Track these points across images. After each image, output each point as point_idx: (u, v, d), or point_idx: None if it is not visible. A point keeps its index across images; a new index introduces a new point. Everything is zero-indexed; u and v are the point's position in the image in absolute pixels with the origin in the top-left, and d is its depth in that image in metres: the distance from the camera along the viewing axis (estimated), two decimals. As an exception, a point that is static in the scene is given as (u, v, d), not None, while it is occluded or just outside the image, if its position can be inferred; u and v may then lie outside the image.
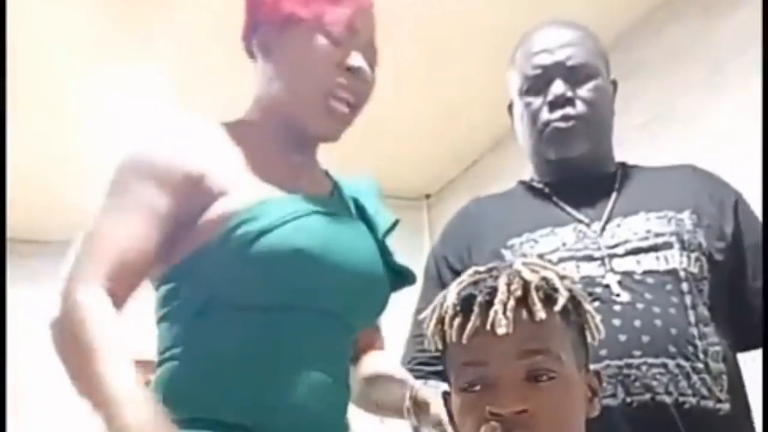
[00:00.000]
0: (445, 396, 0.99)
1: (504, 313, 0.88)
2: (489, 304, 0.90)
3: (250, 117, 1.22)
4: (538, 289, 0.91)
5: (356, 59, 1.17)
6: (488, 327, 0.88)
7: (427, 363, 1.36)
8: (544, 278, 0.93)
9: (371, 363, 1.29)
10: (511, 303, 0.89)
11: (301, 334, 1.09)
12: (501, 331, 0.87)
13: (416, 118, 3.46)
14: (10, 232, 1.76)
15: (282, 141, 1.19)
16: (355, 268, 1.14)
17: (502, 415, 0.86)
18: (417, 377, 1.30)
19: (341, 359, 1.18)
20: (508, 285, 0.91)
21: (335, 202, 1.22)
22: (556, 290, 0.92)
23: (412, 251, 4.43)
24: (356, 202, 1.27)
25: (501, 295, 0.90)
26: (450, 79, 3.21)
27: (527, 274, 0.92)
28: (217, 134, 1.16)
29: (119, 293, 1.03)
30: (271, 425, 1.05)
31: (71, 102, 3.12)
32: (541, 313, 0.89)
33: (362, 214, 1.25)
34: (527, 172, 1.55)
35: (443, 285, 1.00)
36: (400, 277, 1.24)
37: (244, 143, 1.16)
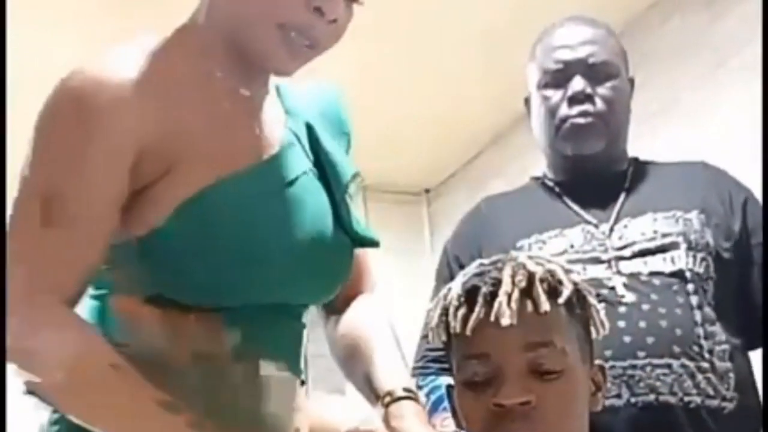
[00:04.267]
0: (449, 389, 0.98)
1: (508, 304, 0.88)
2: (493, 295, 0.89)
3: (197, 30, 1.04)
4: (542, 281, 0.91)
5: (326, 1, 0.97)
6: (492, 318, 0.88)
7: (437, 360, 1.34)
8: (548, 271, 0.92)
9: (348, 331, 1.17)
10: (516, 294, 0.88)
11: (243, 331, 1.01)
12: (505, 322, 0.87)
13: (416, 112, 3.44)
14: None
15: (230, 70, 1.03)
16: (302, 253, 1.02)
17: (505, 406, 0.85)
18: (427, 374, 1.30)
19: (291, 348, 1.10)
20: (513, 276, 0.90)
21: (282, 161, 1.06)
22: (560, 282, 0.91)
23: (412, 245, 4.45)
24: (312, 137, 1.11)
25: (505, 286, 0.89)
26: (450, 73, 3.19)
27: (532, 266, 0.92)
28: (162, 71, 0.98)
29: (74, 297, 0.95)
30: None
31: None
32: (545, 305, 0.88)
33: (318, 157, 1.11)
34: (528, 167, 1.55)
35: None
36: (363, 239, 1.13)
37: (188, 73, 1.01)
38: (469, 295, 0.91)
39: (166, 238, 0.95)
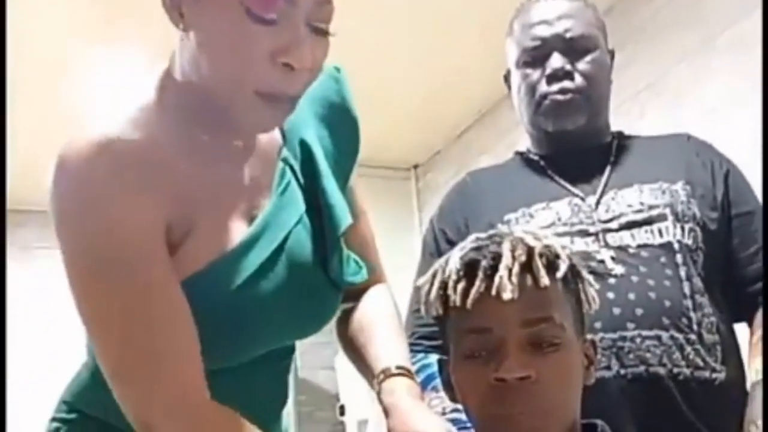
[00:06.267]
0: (441, 363, 0.98)
1: (509, 278, 0.88)
2: (493, 269, 0.89)
3: (177, 90, 0.98)
4: (541, 255, 0.91)
5: (293, 54, 0.90)
6: (493, 292, 0.87)
7: (427, 337, 1.35)
8: (546, 246, 0.92)
9: (353, 324, 1.19)
10: (516, 268, 0.88)
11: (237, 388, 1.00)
12: (506, 296, 0.87)
13: (405, 88, 3.44)
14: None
15: (218, 127, 0.99)
16: (288, 313, 1.01)
17: (506, 380, 0.86)
18: (417, 351, 1.29)
19: (279, 391, 1.13)
20: (513, 251, 0.90)
21: (273, 219, 1.02)
22: (558, 257, 0.92)
23: (402, 219, 4.44)
24: (307, 158, 1.07)
25: (506, 260, 0.89)
26: (439, 50, 3.19)
27: (531, 241, 0.91)
28: (151, 150, 0.93)
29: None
30: None
31: (63, 77, 3.10)
32: (545, 280, 0.89)
33: (313, 182, 1.07)
34: (516, 142, 1.55)
35: None
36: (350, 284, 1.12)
37: (177, 144, 0.96)
38: (469, 268, 0.91)
39: None
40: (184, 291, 0.92)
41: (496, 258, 0.90)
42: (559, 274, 0.90)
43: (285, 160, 1.07)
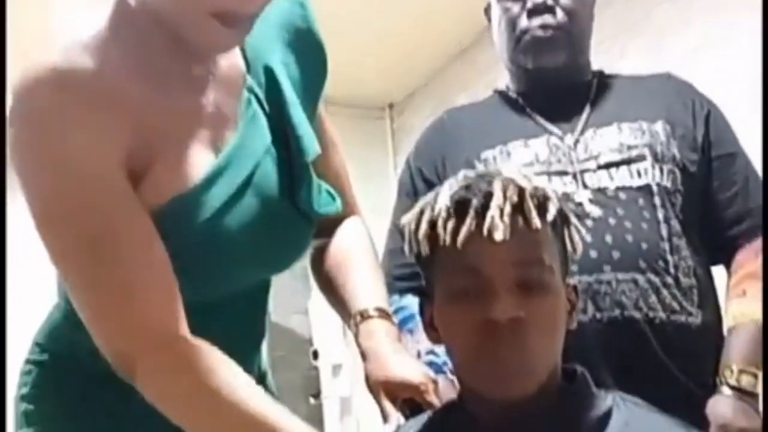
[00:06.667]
0: (423, 304, 0.97)
1: (501, 218, 0.86)
2: (485, 208, 0.87)
3: (132, 16, 0.94)
4: (532, 196, 0.89)
5: None
6: (484, 232, 0.85)
7: (403, 278, 1.34)
8: (536, 187, 0.90)
9: (328, 260, 1.16)
10: (508, 208, 0.86)
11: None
12: (498, 236, 0.85)
13: (380, 25, 3.36)
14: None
15: (174, 53, 0.96)
16: (255, 247, 0.99)
17: (496, 321, 0.84)
18: (392, 293, 1.27)
19: (256, 326, 1.12)
20: (504, 191, 0.88)
21: (239, 153, 1.00)
22: (548, 199, 0.90)
23: (376, 161, 4.41)
24: (273, 86, 1.05)
25: (497, 200, 0.87)
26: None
27: (522, 181, 0.89)
28: (105, 76, 0.91)
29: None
30: None
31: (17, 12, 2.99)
32: (536, 221, 0.87)
33: (279, 108, 1.05)
34: (496, 81, 1.53)
35: (418, 198, 0.96)
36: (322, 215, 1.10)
37: (134, 70, 0.94)
38: (459, 207, 0.88)
39: None
40: (154, 221, 0.90)
41: (487, 197, 0.87)
42: (549, 217, 0.88)
43: (250, 89, 1.04)
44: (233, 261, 0.98)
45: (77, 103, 0.87)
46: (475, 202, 0.87)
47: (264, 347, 1.18)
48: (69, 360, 1.05)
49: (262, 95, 1.04)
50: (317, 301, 4.09)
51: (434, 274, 0.93)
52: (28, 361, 1.08)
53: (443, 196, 0.90)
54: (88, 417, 1.04)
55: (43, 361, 1.07)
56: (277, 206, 1.02)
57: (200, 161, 0.96)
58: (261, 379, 1.17)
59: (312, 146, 1.04)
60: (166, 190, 0.92)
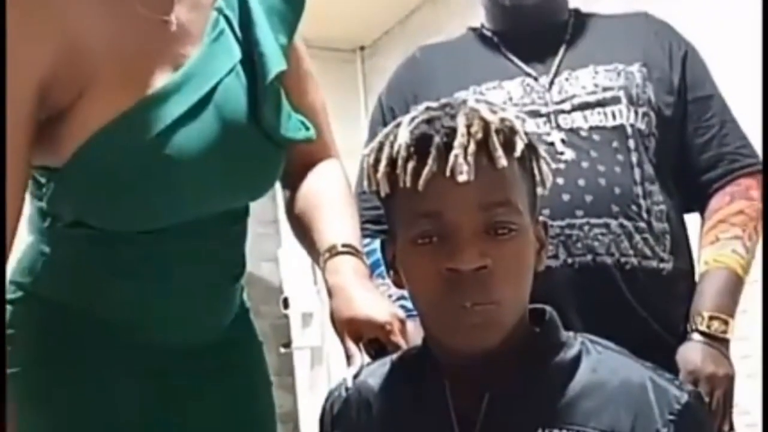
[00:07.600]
0: (383, 244, 0.93)
1: (465, 158, 0.80)
2: (447, 146, 0.81)
3: None
4: (498, 132, 0.83)
5: None
6: (447, 173, 0.80)
7: (374, 221, 1.30)
8: (503, 120, 0.85)
9: (301, 201, 1.15)
10: (472, 147, 0.81)
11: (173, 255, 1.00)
12: (462, 178, 0.80)
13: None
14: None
15: None
16: (214, 170, 0.98)
17: (461, 272, 0.80)
18: (363, 236, 1.24)
19: (233, 255, 1.11)
20: (468, 126, 0.82)
21: (202, 67, 1.00)
22: (515, 133, 0.84)
23: (347, 104, 4.36)
24: (244, 8, 1.04)
25: (461, 138, 0.81)
26: None
27: (487, 115, 0.84)
28: None
29: None
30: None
31: None
32: (503, 160, 0.82)
33: (249, 35, 1.04)
34: (468, 23, 1.48)
35: None
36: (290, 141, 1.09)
37: None
38: (420, 144, 0.82)
39: (78, 168, 0.92)
40: (101, 140, 0.90)
41: (450, 134, 0.82)
42: (517, 153, 0.83)
43: (219, 10, 1.02)
44: (194, 182, 0.95)
45: (15, 5, 0.87)
46: (437, 139, 0.82)
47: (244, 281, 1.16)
48: (41, 297, 1.03)
49: (234, 18, 1.02)
50: (288, 249, 4.08)
51: (395, 216, 0.88)
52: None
53: (403, 131, 0.85)
54: (68, 353, 1.02)
55: (17, 298, 1.05)
56: (239, 128, 0.99)
57: (158, 77, 0.95)
58: (243, 314, 1.16)
59: (276, 64, 1.01)
60: (112, 106, 0.91)
